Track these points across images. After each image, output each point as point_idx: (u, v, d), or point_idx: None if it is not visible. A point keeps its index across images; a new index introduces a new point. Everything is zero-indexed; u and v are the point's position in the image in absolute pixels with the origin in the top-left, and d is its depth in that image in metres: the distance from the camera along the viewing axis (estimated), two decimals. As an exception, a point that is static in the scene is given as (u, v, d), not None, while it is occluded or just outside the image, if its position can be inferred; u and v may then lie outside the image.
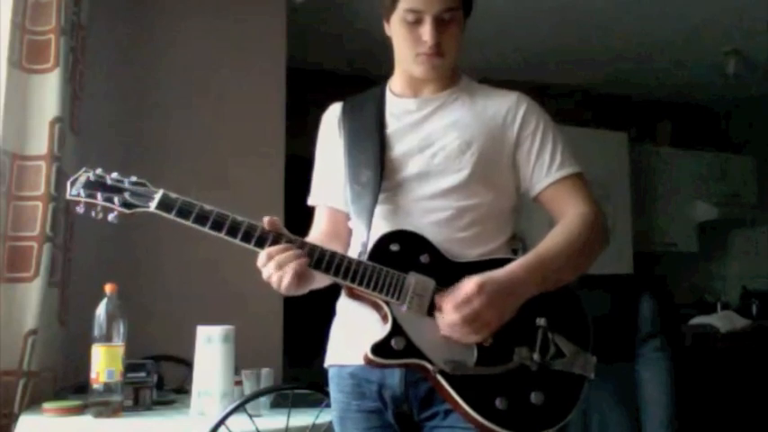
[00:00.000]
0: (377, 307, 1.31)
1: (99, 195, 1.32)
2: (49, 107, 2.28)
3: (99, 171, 1.34)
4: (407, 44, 1.42)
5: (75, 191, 1.33)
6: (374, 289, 1.28)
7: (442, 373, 1.25)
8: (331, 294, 1.47)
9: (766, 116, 5.55)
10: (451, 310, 1.24)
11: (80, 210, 1.33)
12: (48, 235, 2.22)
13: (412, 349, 1.26)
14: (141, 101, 2.99)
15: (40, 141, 2.27)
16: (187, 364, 2.34)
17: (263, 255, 1.27)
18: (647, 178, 5.23)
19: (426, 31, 1.38)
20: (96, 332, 1.91)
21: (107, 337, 1.91)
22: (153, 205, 1.30)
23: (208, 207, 1.29)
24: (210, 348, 1.93)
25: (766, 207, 5.58)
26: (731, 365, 4.02)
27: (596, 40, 4.40)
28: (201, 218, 1.28)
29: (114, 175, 1.34)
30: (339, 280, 1.30)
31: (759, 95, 5.36)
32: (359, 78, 3.54)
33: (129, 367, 1.99)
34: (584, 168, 1.48)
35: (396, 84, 1.53)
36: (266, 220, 1.30)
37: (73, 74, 2.45)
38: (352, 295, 1.34)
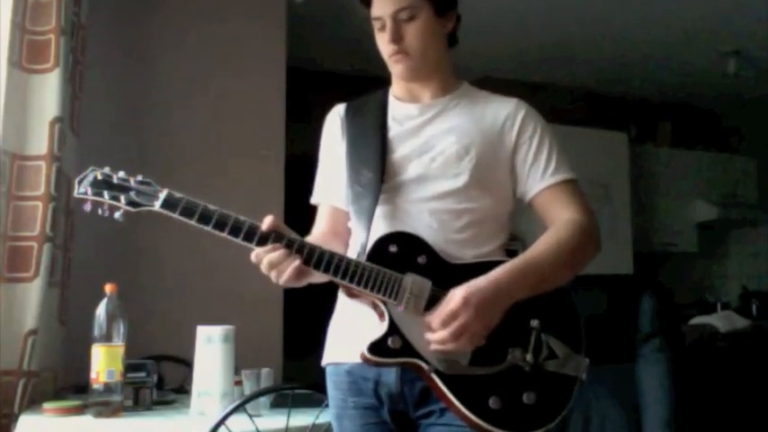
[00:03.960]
0: (374, 306, 1.33)
1: (106, 194, 1.34)
2: (49, 107, 2.28)
3: (106, 170, 1.37)
4: (381, 50, 1.49)
5: (82, 189, 1.35)
6: (371, 289, 1.30)
7: (437, 372, 1.27)
8: (331, 291, 1.48)
9: (766, 116, 5.55)
10: (439, 327, 1.25)
11: (87, 208, 1.36)
12: (48, 235, 2.22)
13: (408, 348, 1.28)
14: (141, 101, 2.99)
15: (40, 141, 2.27)
16: (187, 364, 2.34)
17: (252, 256, 1.30)
18: (647, 178, 5.23)
19: (386, 33, 1.44)
20: (96, 332, 1.91)
21: (107, 337, 1.91)
22: (158, 204, 1.33)
23: (212, 207, 1.32)
24: (210, 348, 1.93)
25: (766, 207, 5.59)
26: (731, 365, 4.02)
27: (596, 39, 4.40)
28: (205, 217, 1.30)
29: (121, 174, 1.37)
30: (338, 280, 1.32)
31: (759, 95, 5.36)
32: (359, 78, 3.55)
33: (129, 367, 1.99)
34: (581, 170, 1.49)
35: (396, 90, 1.57)
36: (266, 221, 1.31)
37: (73, 74, 2.45)
38: (351, 295, 1.36)
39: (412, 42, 1.44)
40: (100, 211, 1.35)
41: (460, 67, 1.55)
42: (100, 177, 1.35)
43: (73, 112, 2.47)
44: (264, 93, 3.22)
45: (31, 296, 2.18)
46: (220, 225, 1.30)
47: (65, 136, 2.34)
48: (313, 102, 2.55)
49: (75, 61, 2.47)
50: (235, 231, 1.30)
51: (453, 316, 1.24)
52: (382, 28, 1.45)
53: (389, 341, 1.28)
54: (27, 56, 2.29)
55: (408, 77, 1.50)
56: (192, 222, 1.31)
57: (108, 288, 1.95)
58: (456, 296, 1.26)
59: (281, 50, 3.29)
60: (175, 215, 1.31)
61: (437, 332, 1.26)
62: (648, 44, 4.48)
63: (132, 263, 2.82)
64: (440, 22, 1.47)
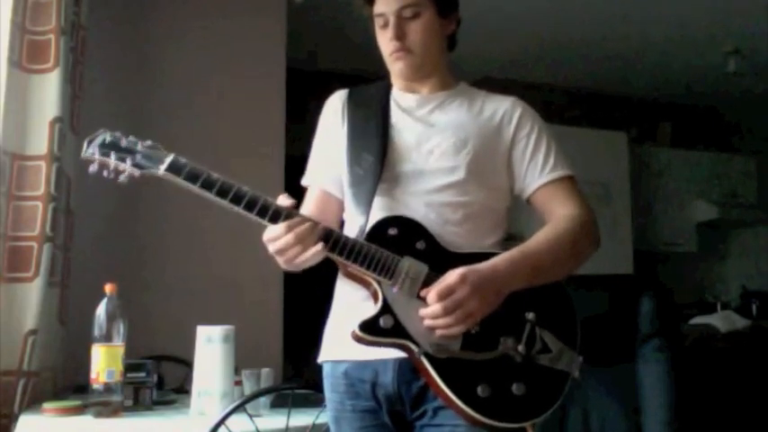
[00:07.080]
0: (368, 286, 1.33)
1: (112, 155, 1.34)
2: (49, 107, 2.28)
3: (117, 133, 1.38)
4: (383, 47, 1.49)
5: (90, 150, 1.36)
6: (368, 267, 1.30)
7: (427, 355, 1.26)
8: (331, 291, 1.49)
9: (766, 116, 5.55)
10: (434, 300, 1.25)
11: (93, 169, 1.35)
12: (48, 235, 2.22)
13: (399, 329, 1.28)
14: (141, 101, 2.99)
15: (40, 141, 2.27)
16: (187, 364, 2.34)
17: (281, 227, 1.28)
18: (647, 178, 5.23)
19: (390, 30, 1.44)
20: (96, 332, 1.91)
21: (107, 337, 1.91)
22: (163, 168, 1.33)
23: (215, 175, 1.32)
24: (210, 348, 1.93)
25: (766, 207, 5.59)
26: (731, 365, 4.01)
27: (596, 39, 4.40)
28: (208, 184, 1.31)
29: (130, 137, 1.37)
30: (334, 256, 1.31)
31: (759, 95, 5.36)
32: (359, 78, 3.54)
33: (129, 367, 1.99)
34: (581, 170, 1.49)
35: (396, 85, 1.57)
36: (282, 198, 1.33)
37: (73, 74, 2.45)
38: (347, 273, 1.36)
39: (414, 40, 1.45)
40: (105, 173, 1.35)
41: (460, 68, 1.56)
42: (109, 139, 1.36)
43: (73, 112, 2.47)
44: (264, 93, 3.22)
45: (31, 296, 2.18)
46: (222, 193, 1.30)
47: (65, 136, 2.34)
48: (312, 102, 2.55)
49: (76, 61, 2.48)
50: (236, 200, 1.30)
51: (450, 290, 1.25)
52: (385, 25, 1.45)
53: (381, 321, 1.28)
54: (27, 56, 2.30)
55: (408, 76, 1.50)
56: (196, 188, 1.30)
57: (108, 288, 1.95)
58: (454, 273, 1.26)
59: (281, 50, 3.29)
60: (180, 179, 1.31)
61: (431, 306, 1.26)
62: (648, 44, 4.48)
63: (132, 263, 2.81)
64: (441, 22, 1.48)
